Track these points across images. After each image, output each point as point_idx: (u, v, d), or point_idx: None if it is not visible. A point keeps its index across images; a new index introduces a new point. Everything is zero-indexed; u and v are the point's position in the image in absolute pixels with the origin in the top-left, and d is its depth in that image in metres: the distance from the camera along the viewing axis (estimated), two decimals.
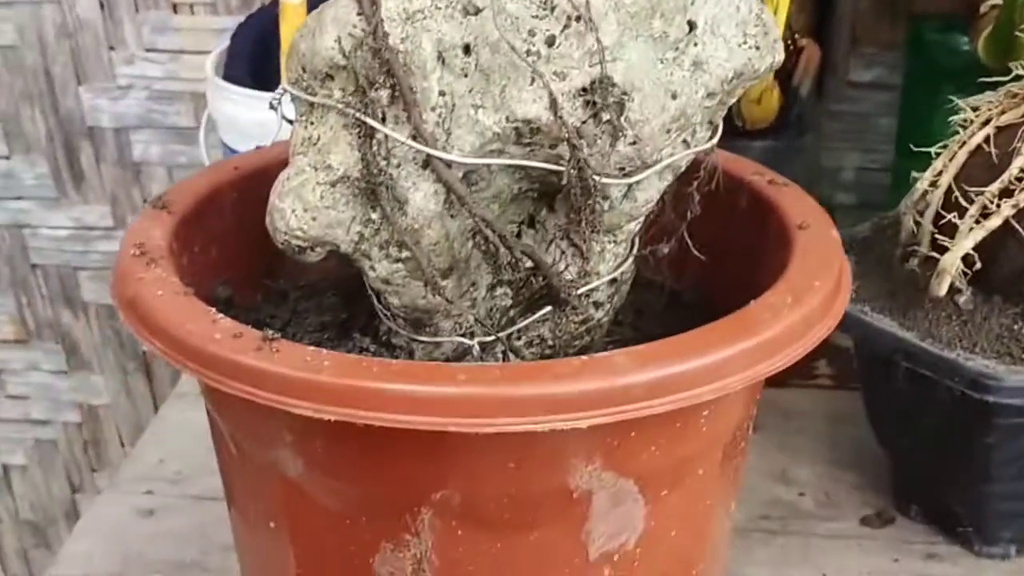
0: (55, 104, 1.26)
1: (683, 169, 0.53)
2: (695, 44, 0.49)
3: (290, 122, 0.51)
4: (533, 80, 0.46)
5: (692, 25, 0.49)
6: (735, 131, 1.03)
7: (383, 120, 0.47)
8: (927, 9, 0.99)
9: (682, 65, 0.48)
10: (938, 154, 0.78)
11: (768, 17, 0.51)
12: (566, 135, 0.46)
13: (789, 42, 1.02)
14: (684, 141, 0.51)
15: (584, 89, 0.46)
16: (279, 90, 0.50)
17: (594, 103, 0.46)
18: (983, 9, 0.95)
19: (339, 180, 0.48)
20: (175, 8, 1.22)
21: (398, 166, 0.47)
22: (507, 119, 0.46)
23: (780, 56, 0.52)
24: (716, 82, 0.50)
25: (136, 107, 1.26)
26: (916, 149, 0.79)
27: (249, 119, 0.95)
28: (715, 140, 0.53)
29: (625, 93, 0.46)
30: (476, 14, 0.46)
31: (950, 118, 0.82)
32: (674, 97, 0.48)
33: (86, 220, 1.32)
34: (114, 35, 1.23)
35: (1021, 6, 0.86)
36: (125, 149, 1.28)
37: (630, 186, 0.50)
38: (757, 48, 0.50)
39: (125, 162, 1.29)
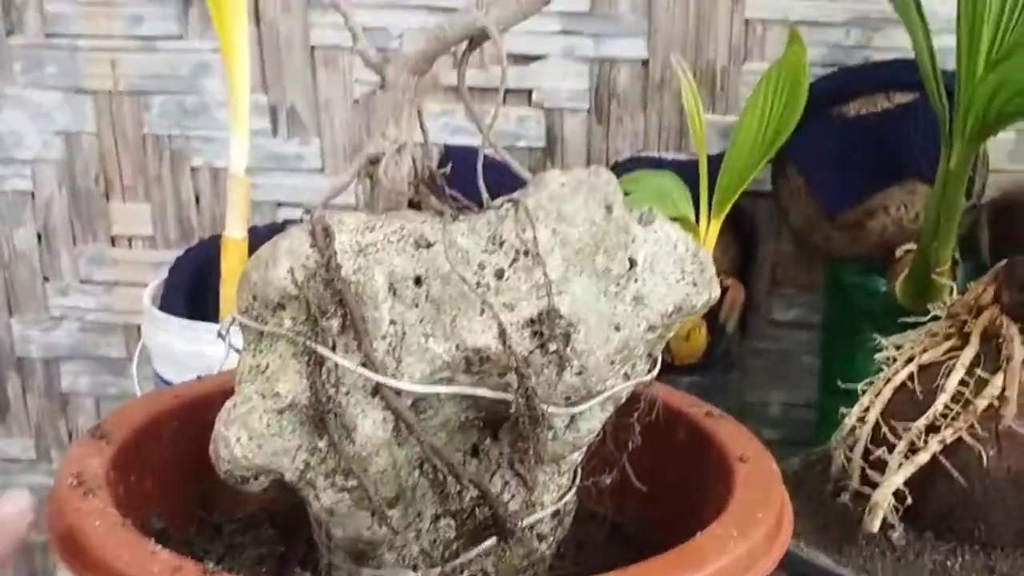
0: None
1: (623, 400, 0.54)
2: (636, 280, 0.51)
3: (237, 351, 0.51)
4: (483, 311, 0.47)
5: (633, 262, 0.51)
6: (664, 366, 1.05)
7: (333, 348, 0.47)
8: (845, 252, 1.04)
9: (624, 299, 0.50)
10: (864, 390, 0.80)
11: (705, 255, 0.53)
12: (515, 364, 0.47)
13: None
14: (625, 373, 0.52)
15: (532, 320, 0.48)
16: (228, 319, 0.51)
17: (541, 334, 0.47)
18: (899, 253, 1.00)
19: (286, 408, 0.48)
20: (113, 241, 1.23)
21: (347, 394, 0.47)
22: (457, 347, 0.47)
23: (716, 293, 0.54)
24: (656, 316, 0.51)
25: (67, 338, 1.25)
26: (843, 386, 0.81)
27: (185, 350, 0.95)
28: (654, 372, 0.54)
29: (571, 324, 0.48)
30: (428, 247, 0.48)
31: (873, 356, 0.85)
32: (617, 329, 0.50)
33: (9, 452, 1.29)
34: (50, 266, 1.23)
35: (935, 250, 0.91)
36: (54, 380, 1.27)
37: (574, 416, 0.51)
38: (695, 284, 0.53)
39: (52, 393, 1.27)
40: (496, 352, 0.47)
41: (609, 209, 0.51)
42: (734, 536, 0.49)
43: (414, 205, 0.53)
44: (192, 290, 1.04)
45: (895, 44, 1.04)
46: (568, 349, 0.48)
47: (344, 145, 1.18)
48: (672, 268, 0.52)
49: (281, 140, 1.18)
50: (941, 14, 1.00)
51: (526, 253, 0.48)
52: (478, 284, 0.47)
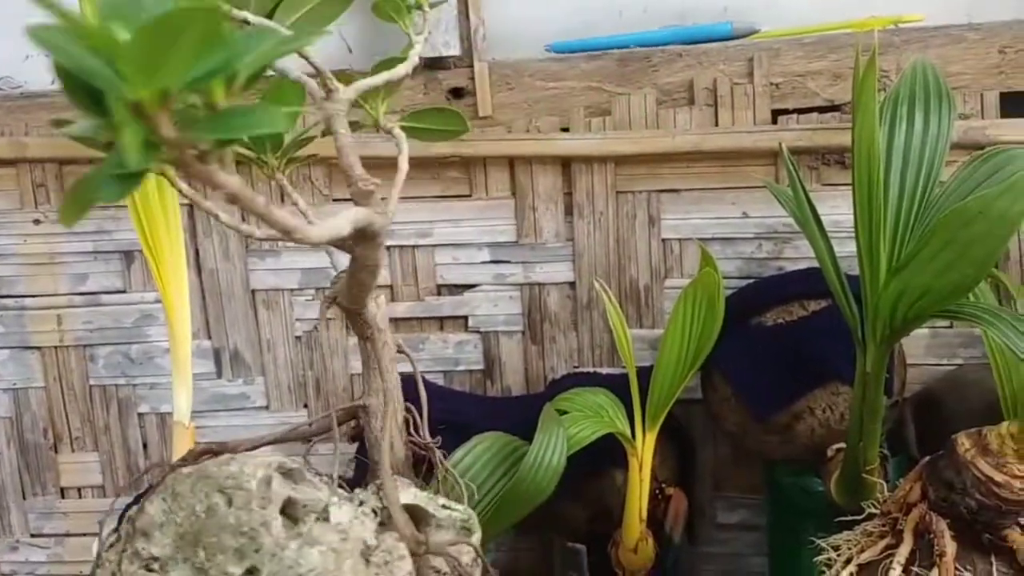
0: None
1: None
2: None
3: None
4: None
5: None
6: None
7: None
8: (779, 455, 1.07)
9: None
10: None
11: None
12: None
13: (657, 492, 1.09)
14: None
15: None
16: None
17: None
18: (830, 453, 1.03)
19: None
20: (63, 493, 1.24)
21: None
22: None
23: None
24: None
25: None
26: None
27: None
28: None
29: None
30: None
31: (815, 557, 0.88)
32: None
33: None
34: (1, 522, 1.23)
35: (863, 450, 0.94)
36: None
37: None
38: None
39: None
40: None
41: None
42: None
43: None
44: None
45: (805, 253, 1.10)
46: None
47: (288, 382, 1.21)
48: None
49: (226, 381, 1.21)
50: (845, 222, 1.07)
51: None
52: None
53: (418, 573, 0.58)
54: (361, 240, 0.58)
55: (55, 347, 1.21)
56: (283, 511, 0.56)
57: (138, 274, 1.19)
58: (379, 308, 0.71)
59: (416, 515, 0.67)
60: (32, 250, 1.19)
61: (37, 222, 1.18)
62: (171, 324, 1.01)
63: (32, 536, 1.24)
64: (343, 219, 0.49)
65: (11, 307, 1.20)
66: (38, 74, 1.17)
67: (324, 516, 0.58)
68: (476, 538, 0.68)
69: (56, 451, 1.23)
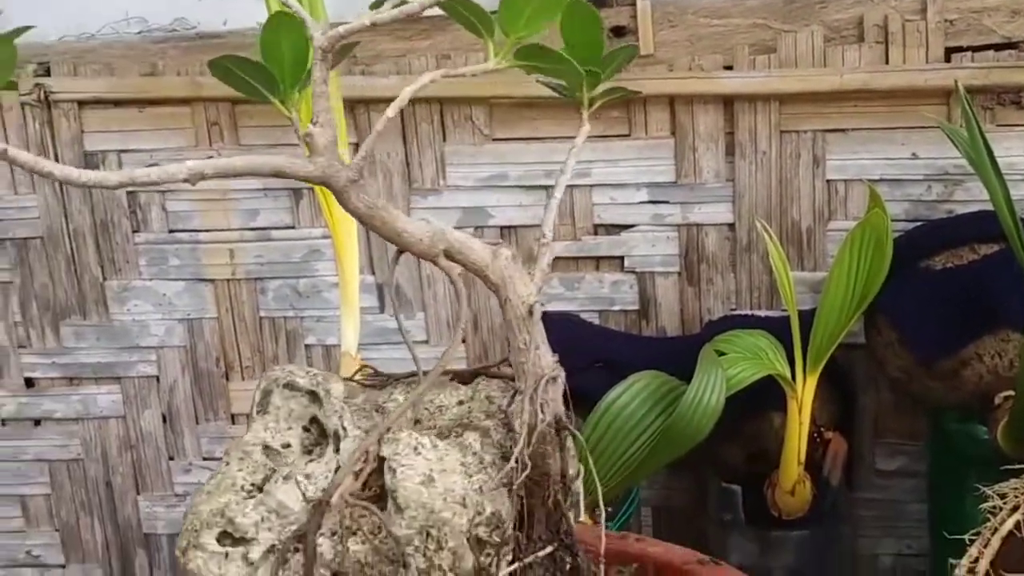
0: (114, 513, 1.31)
1: None
2: None
3: None
4: None
5: None
6: (772, 521, 1.07)
7: None
8: (944, 401, 1.05)
9: None
10: (972, 540, 0.81)
11: None
12: None
13: (816, 435, 1.08)
14: None
15: None
16: None
17: None
18: (997, 400, 1.01)
19: None
20: (233, 419, 1.29)
21: None
22: None
23: None
24: None
25: None
26: (950, 536, 0.82)
27: None
28: None
29: None
30: None
31: (979, 505, 0.86)
32: None
33: None
34: (174, 446, 1.30)
35: None
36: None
37: None
38: None
39: (178, 568, 1.32)
40: None
41: None
42: None
43: None
44: None
45: (977, 196, 1.07)
46: None
47: (447, 317, 1.24)
48: None
49: (388, 316, 1.24)
50: (1021, 164, 1.03)
51: None
52: None
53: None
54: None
55: (227, 280, 1.26)
56: None
57: (306, 211, 1.23)
58: (496, 259, 0.64)
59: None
60: (206, 187, 1.23)
61: (211, 159, 1.22)
62: (340, 259, 1.04)
63: (204, 459, 1.30)
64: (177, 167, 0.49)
65: (186, 241, 1.25)
66: (212, 15, 1.21)
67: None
68: None
69: (227, 379, 1.29)
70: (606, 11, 1.13)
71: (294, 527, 0.57)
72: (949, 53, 1.09)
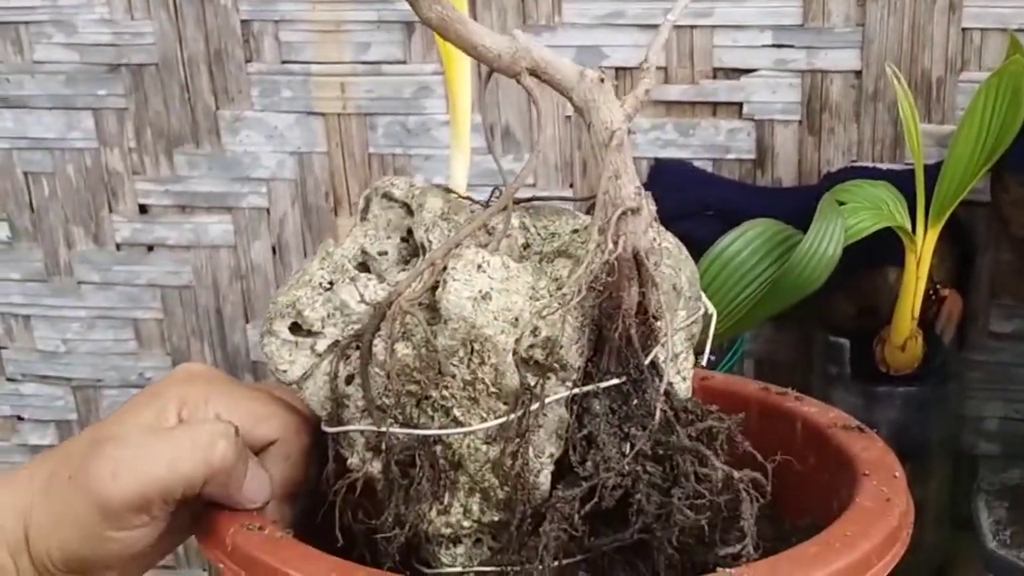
0: (223, 340, 1.35)
1: None
2: None
3: None
4: None
5: None
6: (880, 376, 1.06)
7: None
8: None
9: None
10: None
11: None
12: None
13: (931, 292, 1.05)
14: None
15: None
16: None
17: None
18: None
19: None
20: None
21: None
22: None
23: None
24: None
25: None
26: None
27: None
28: None
29: None
30: None
31: None
32: None
33: None
34: (283, 278, 1.32)
35: None
36: None
37: None
38: None
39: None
40: None
41: None
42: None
43: None
44: None
45: None
46: None
47: (555, 160, 1.22)
48: None
49: (496, 157, 1.23)
50: None
51: None
52: None
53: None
54: None
55: (338, 114, 1.25)
56: None
57: (418, 45, 1.21)
58: (583, 80, 0.59)
59: None
60: (319, 17, 1.22)
61: None
62: (452, 96, 1.03)
63: None
64: None
65: (297, 72, 1.25)
66: None
67: None
68: None
69: (336, 214, 1.30)
70: None
71: (357, 326, 0.60)
72: None
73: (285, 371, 0.61)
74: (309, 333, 0.61)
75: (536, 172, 1.23)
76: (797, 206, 1.03)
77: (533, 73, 0.60)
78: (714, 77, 1.16)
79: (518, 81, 0.60)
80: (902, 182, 1.01)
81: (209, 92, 1.27)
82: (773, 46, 1.13)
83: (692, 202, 1.13)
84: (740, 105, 1.16)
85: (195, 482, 0.58)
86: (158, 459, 0.57)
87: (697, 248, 0.99)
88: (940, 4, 1.08)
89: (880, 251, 1.01)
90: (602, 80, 0.59)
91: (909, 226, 0.98)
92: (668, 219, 1.07)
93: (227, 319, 1.35)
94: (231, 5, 1.23)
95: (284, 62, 1.25)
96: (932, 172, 0.99)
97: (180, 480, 0.57)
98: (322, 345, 0.60)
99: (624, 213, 0.59)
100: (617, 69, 1.17)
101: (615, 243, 0.58)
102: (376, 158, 1.26)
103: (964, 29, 1.08)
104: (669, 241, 0.67)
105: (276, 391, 0.66)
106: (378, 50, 1.22)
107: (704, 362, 0.69)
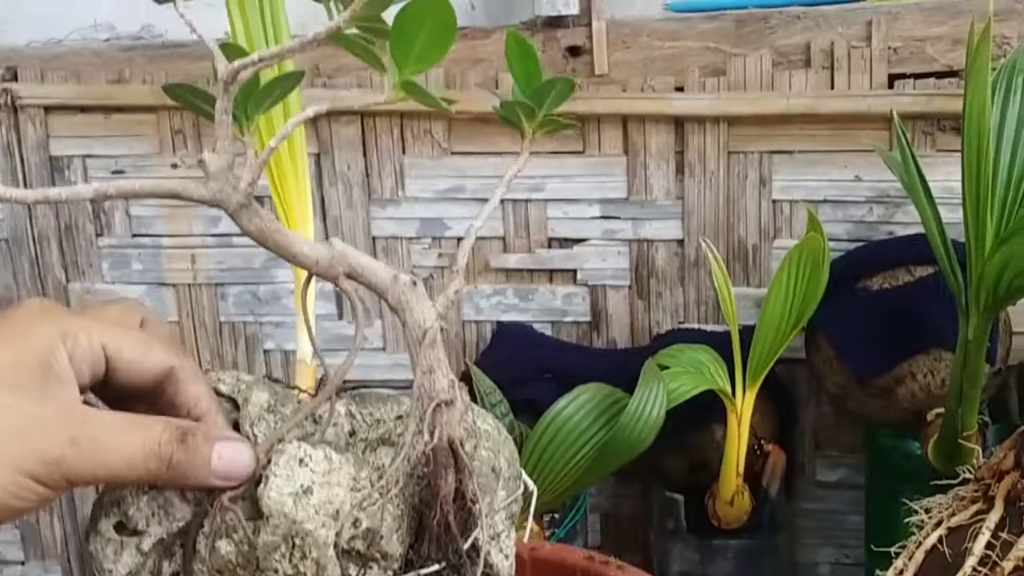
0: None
1: None
2: None
3: None
4: None
5: None
6: (711, 530, 1.10)
7: None
8: (879, 417, 1.09)
9: None
10: (898, 553, 0.84)
11: None
12: None
13: (756, 448, 1.11)
14: None
15: None
16: None
17: None
18: (929, 417, 1.04)
19: None
20: None
21: None
22: None
23: None
24: None
25: None
26: (876, 549, 0.85)
27: None
28: None
29: None
30: None
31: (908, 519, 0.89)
32: None
33: None
34: None
35: (961, 416, 0.95)
36: None
37: None
38: None
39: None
40: None
41: None
42: None
43: None
44: None
45: (916, 218, 1.10)
46: None
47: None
48: None
49: (345, 323, 1.27)
50: (957, 189, 1.06)
51: None
52: None
53: None
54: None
55: (188, 284, 1.28)
56: None
57: None
58: (395, 284, 0.63)
59: None
60: None
61: (175, 166, 1.25)
62: (296, 267, 1.07)
63: None
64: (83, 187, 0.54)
65: (148, 246, 1.28)
66: (179, 24, 1.23)
67: None
68: None
69: None
70: (563, 31, 1.17)
71: (181, 524, 0.60)
72: (892, 79, 1.12)
73: (110, 570, 0.62)
74: (134, 532, 0.62)
75: (386, 337, 1.27)
76: (629, 368, 1.08)
77: (350, 276, 0.64)
78: (549, 246, 1.22)
79: (336, 284, 0.63)
80: (725, 344, 1.07)
81: (60, 266, 1.29)
82: (602, 217, 1.20)
83: (531, 365, 1.17)
84: (574, 272, 1.23)
85: (145, 482, 0.58)
86: (119, 453, 0.54)
87: (539, 411, 1.05)
88: (752, 178, 1.16)
89: (705, 411, 1.07)
90: (415, 283, 0.63)
91: (729, 388, 1.04)
92: (511, 382, 1.11)
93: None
94: (82, 181, 1.26)
95: (135, 235, 1.28)
96: (749, 334, 1.05)
97: (132, 480, 0.57)
98: (147, 544, 0.62)
99: (439, 405, 0.62)
100: (459, 239, 1.23)
101: (431, 434, 0.62)
102: (227, 326, 1.29)
103: (774, 201, 1.17)
104: (488, 423, 0.71)
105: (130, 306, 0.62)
106: (228, 223, 1.24)
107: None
